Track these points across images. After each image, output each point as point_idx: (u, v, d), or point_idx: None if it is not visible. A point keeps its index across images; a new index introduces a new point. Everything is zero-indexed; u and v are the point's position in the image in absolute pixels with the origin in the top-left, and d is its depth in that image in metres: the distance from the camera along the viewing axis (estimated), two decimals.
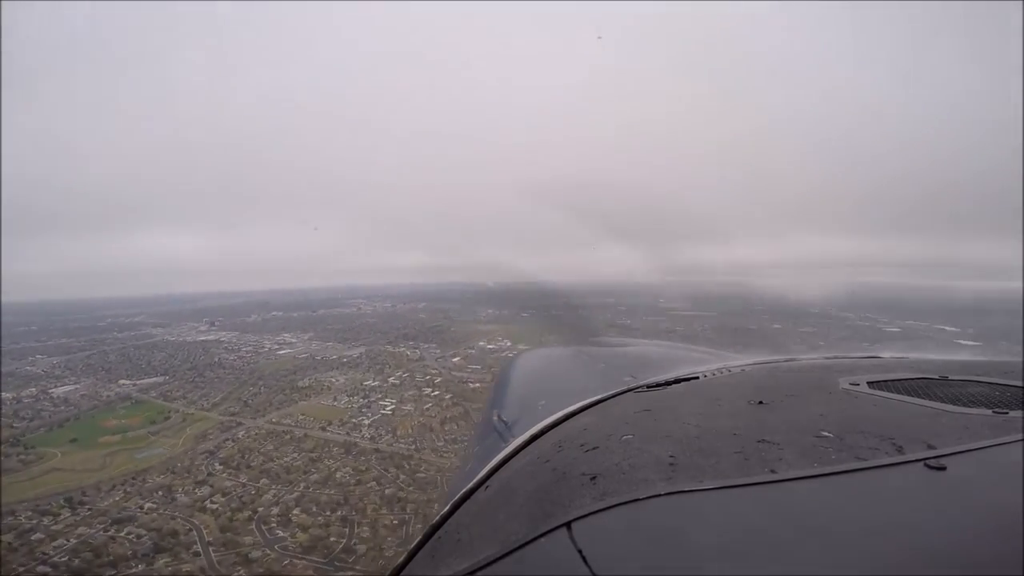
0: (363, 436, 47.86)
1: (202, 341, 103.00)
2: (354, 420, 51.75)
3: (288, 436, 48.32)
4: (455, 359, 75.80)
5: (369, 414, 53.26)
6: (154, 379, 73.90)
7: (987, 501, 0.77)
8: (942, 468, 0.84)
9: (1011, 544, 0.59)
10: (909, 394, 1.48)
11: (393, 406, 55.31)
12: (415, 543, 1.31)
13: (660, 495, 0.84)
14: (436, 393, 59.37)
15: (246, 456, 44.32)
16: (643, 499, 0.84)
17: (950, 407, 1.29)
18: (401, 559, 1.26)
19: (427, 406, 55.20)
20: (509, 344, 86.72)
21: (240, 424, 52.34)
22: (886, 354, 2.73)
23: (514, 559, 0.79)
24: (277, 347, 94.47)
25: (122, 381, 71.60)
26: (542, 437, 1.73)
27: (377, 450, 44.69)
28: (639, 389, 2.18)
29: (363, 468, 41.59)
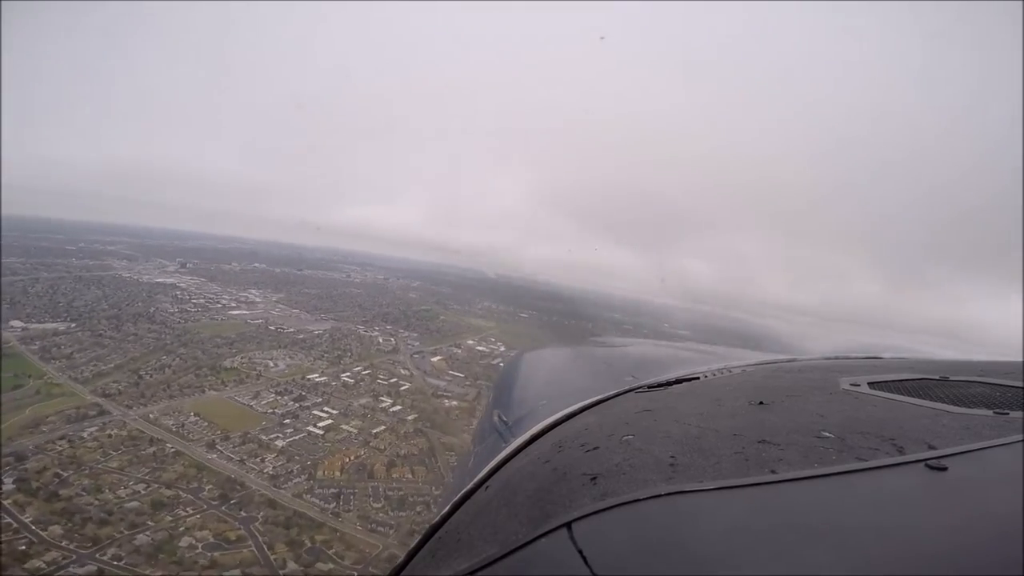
0: (263, 470, 30.63)
1: (156, 284, 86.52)
2: (264, 437, 34.53)
3: (154, 450, 31.18)
4: (435, 358, 58.44)
5: (291, 430, 36.04)
6: (56, 324, 56.90)
7: (988, 502, 0.76)
8: (943, 469, 0.82)
9: (1012, 545, 0.58)
10: (910, 395, 1.45)
11: (330, 422, 38.06)
12: (415, 543, 1.28)
13: (661, 495, 0.82)
14: (397, 408, 42.07)
15: (67, 473, 27.27)
16: (644, 499, 0.82)
17: (951, 408, 1.26)
18: (401, 559, 1.24)
19: (378, 429, 37.86)
20: (503, 349, 69.36)
21: (105, 414, 35.24)
22: (887, 355, 2.68)
23: (514, 559, 0.78)
24: (234, 305, 77.61)
25: (14, 322, 54.49)
26: (542, 437, 1.68)
27: (272, 503, 27.45)
28: (640, 389, 2.14)
29: (234, 535, 24.48)
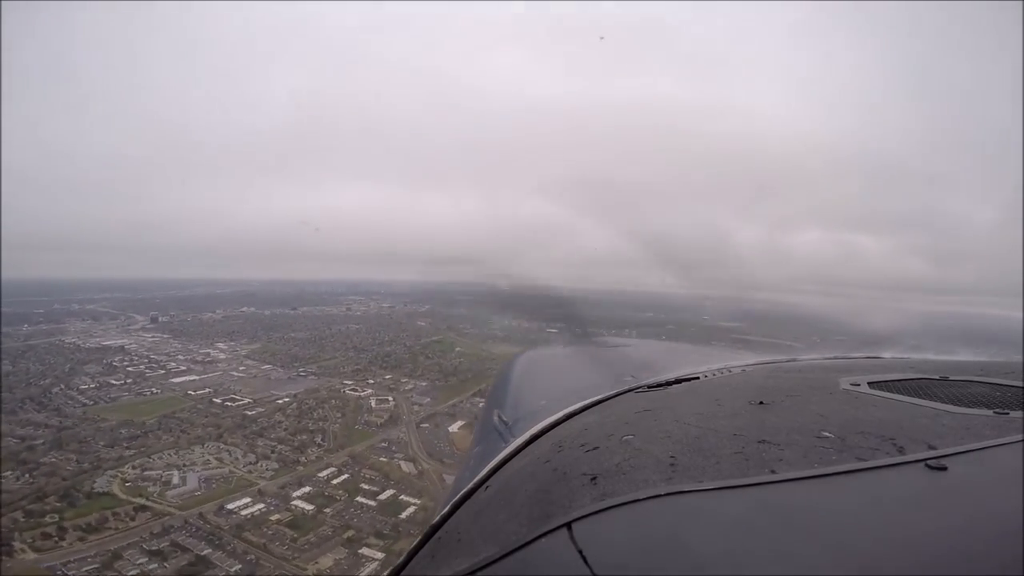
0: None
1: (99, 348, 66.87)
2: None
3: None
4: (454, 427, 36.08)
5: None
6: None
7: (988, 502, 0.75)
8: (943, 468, 0.80)
9: (1012, 545, 0.57)
10: (910, 394, 1.42)
11: None
12: (415, 543, 1.24)
13: (661, 495, 0.80)
14: None
15: None
16: (644, 499, 0.80)
17: (951, 407, 1.24)
18: (401, 559, 1.21)
19: None
20: None
21: None
22: (886, 354, 2.63)
23: (514, 559, 0.76)
24: (183, 369, 56.87)
25: None
26: (542, 437, 1.65)
27: None
28: (639, 389, 2.09)
29: None
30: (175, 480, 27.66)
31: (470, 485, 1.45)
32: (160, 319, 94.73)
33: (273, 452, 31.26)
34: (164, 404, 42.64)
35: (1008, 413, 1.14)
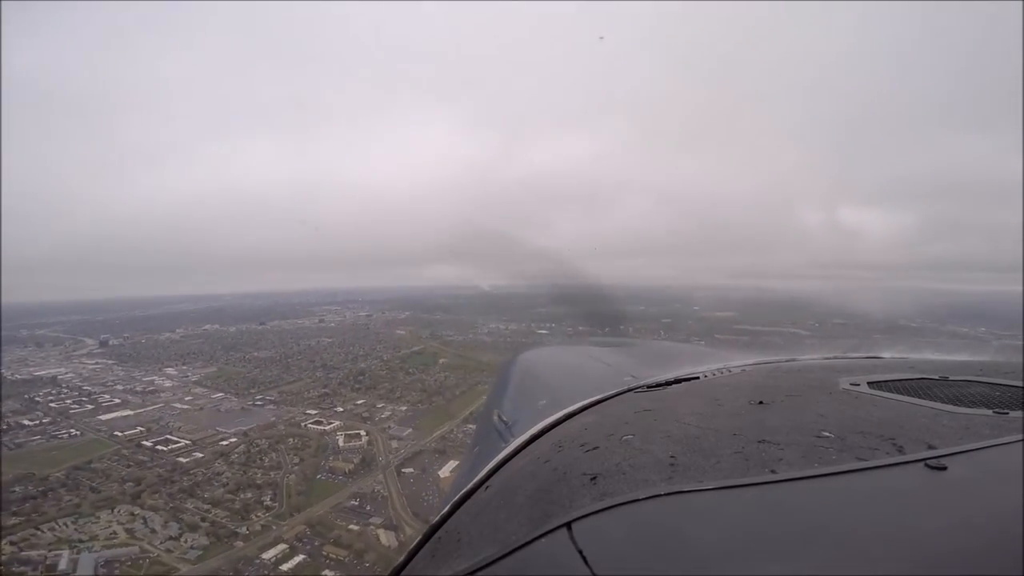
0: None
1: (27, 381, 59.20)
2: None
3: None
4: (447, 472, 29.12)
5: None
6: None
7: (988, 501, 0.74)
8: (943, 468, 0.80)
9: (1011, 544, 0.57)
10: (909, 394, 1.43)
11: None
12: (415, 543, 1.25)
13: (660, 495, 0.81)
14: None
15: None
16: (643, 499, 0.80)
17: (950, 407, 1.25)
18: (401, 559, 1.22)
19: None
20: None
21: None
22: (886, 354, 2.64)
23: (514, 559, 0.76)
24: (117, 403, 48.84)
25: None
26: (542, 437, 1.67)
27: None
28: (639, 389, 2.09)
29: None
30: (63, 564, 20.13)
31: (470, 485, 1.44)
32: (111, 342, 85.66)
33: (204, 520, 23.90)
34: (81, 450, 34.66)
35: (1008, 413, 1.13)
